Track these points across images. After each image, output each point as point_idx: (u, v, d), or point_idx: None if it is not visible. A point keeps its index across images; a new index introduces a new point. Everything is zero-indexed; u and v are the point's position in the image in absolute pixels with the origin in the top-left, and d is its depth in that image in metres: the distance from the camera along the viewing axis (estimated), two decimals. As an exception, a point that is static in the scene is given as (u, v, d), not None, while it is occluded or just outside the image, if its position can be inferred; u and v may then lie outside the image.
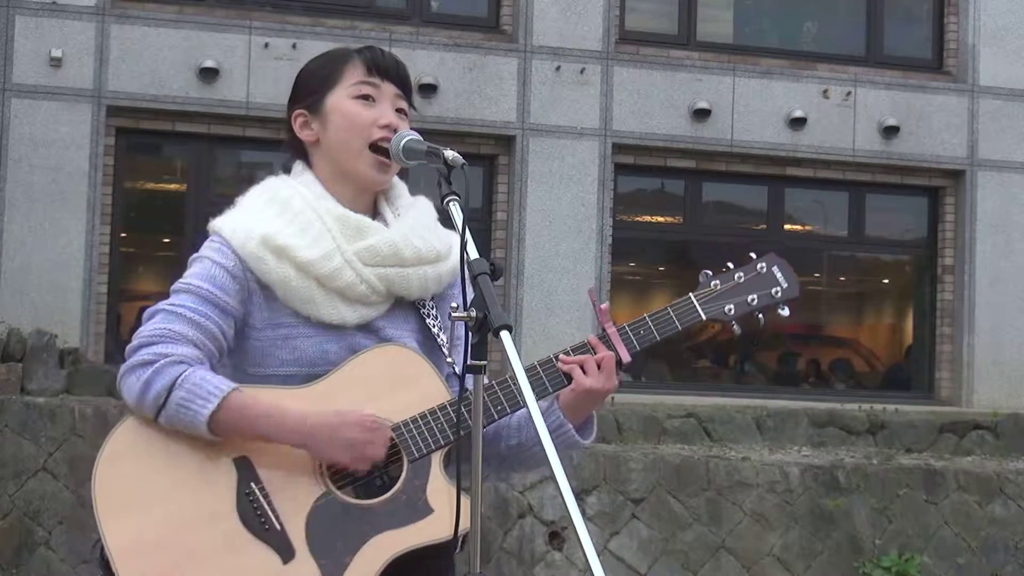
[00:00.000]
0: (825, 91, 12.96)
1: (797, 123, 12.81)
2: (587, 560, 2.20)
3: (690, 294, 2.81)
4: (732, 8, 13.51)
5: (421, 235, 2.78)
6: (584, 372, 2.72)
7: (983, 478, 10.49)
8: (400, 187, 2.90)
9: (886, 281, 14.64)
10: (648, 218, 13.62)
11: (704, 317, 2.79)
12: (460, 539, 2.60)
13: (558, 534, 9.63)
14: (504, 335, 2.34)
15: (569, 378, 2.73)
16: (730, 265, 2.85)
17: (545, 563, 9.56)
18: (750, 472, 10.07)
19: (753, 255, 2.86)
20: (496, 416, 2.71)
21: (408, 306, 2.82)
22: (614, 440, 10.63)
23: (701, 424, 11.17)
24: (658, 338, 2.77)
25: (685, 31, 13.12)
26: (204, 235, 2.82)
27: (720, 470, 10.04)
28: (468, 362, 2.38)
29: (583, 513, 9.43)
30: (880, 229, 13.73)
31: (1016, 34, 13.29)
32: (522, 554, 9.52)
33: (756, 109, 12.78)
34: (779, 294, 2.84)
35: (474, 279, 2.41)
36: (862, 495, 10.19)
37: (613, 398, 11.61)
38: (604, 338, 2.76)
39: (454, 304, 2.76)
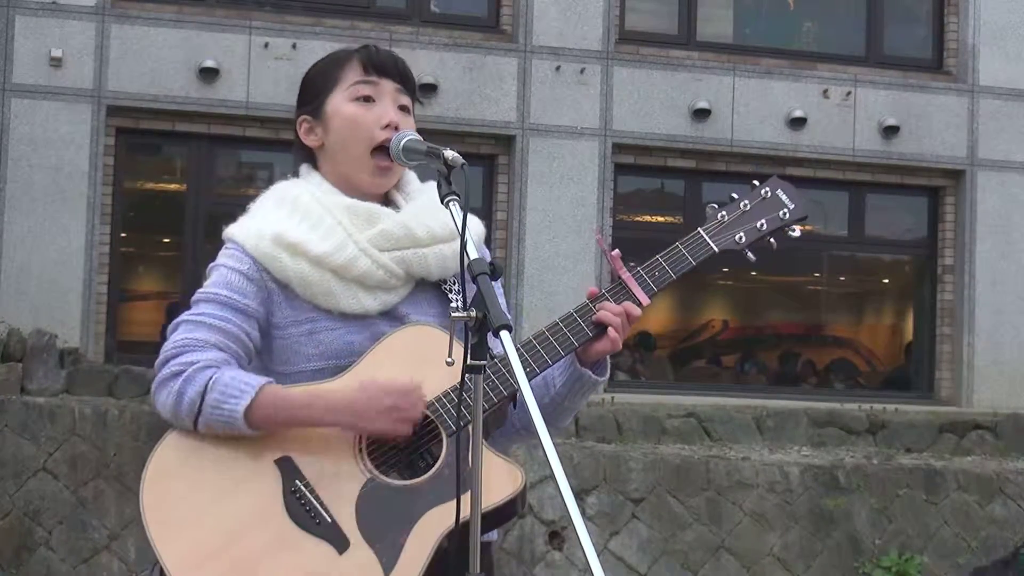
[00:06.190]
0: (825, 91, 12.95)
1: (797, 123, 12.81)
2: (587, 560, 2.19)
3: (699, 228, 2.79)
4: (732, 8, 13.50)
5: (432, 214, 2.79)
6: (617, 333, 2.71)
7: (983, 478, 10.49)
8: (409, 175, 2.92)
9: (886, 281, 14.63)
10: (648, 218, 13.62)
11: (716, 249, 2.77)
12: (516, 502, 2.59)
13: (558, 534, 9.63)
14: (504, 335, 2.33)
15: (591, 330, 2.71)
16: (734, 195, 2.83)
17: (545, 563, 9.55)
18: (750, 472, 10.07)
19: (756, 182, 2.83)
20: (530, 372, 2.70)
21: (431, 288, 2.83)
22: (614, 440, 10.63)
23: (701, 424, 11.17)
24: (674, 276, 2.75)
25: (685, 31, 13.11)
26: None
27: (720, 470, 10.04)
28: (468, 362, 2.37)
29: (583, 513, 9.43)
30: (880, 229, 13.72)
31: (1016, 34, 13.29)
32: (522, 554, 9.51)
33: (756, 109, 12.78)
34: (787, 216, 2.83)
35: (474, 279, 2.40)
36: (862, 495, 10.18)
37: (613, 397, 11.60)
38: (619, 284, 2.74)
39: (454, 304, 2.76)
